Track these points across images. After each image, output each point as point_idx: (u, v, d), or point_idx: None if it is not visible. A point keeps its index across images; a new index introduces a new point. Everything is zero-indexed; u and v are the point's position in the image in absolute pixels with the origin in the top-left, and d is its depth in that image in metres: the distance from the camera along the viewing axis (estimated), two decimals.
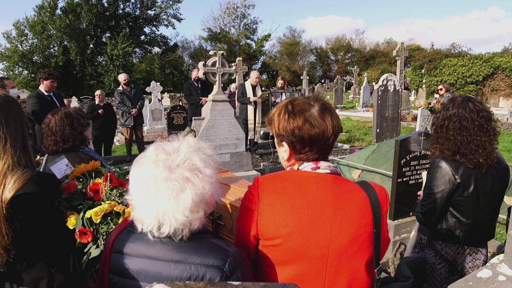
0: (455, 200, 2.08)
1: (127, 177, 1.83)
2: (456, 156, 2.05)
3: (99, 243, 1.59)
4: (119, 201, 1.66)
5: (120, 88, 7.89)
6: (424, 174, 2.66)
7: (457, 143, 2.03)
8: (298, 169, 1.25)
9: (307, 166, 1.24)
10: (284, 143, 1.27)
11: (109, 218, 1.60)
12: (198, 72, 8.21)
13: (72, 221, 1.60)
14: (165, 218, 1.04)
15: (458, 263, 2.15)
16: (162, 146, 1.10)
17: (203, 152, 1.13)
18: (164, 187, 1.03)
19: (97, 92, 7.95)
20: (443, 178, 2.06)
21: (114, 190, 1.69)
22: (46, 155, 2.37)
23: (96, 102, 7.85)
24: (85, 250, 1.60)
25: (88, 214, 1.57)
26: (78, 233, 1.57)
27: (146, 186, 1.05)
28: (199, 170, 1.08)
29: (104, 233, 1.58)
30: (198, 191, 1.05)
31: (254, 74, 8.24)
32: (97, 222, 1.57)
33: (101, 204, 1.62)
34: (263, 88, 8.55)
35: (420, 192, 2.46)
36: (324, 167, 1.24)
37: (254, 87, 8.13)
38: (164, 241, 1.09)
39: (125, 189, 1.74)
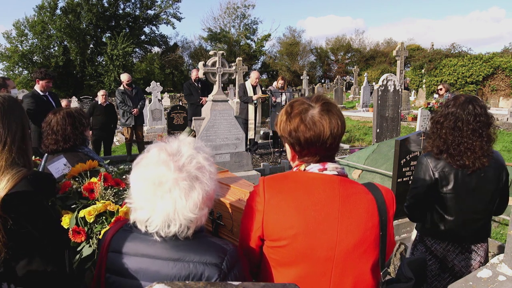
0: (437, 196, 2.10)
1: (125, 177, 1.83)
2: (443, 155, 2.06)
3: (92, 243, 1.59)
4: (114, 200, 1.66)
5: (122, 87, 7.90)
6: None
7: (447, 143, 2.04)
8: (305, 170, 1.25)
9: (314, 167, 1.23)
10: (286, 144, 1.28)
11: (103, 217, 1.60)
12: (197, 72, 8.21)
13: (66, 220, 1.60)
14: (175, 217, 1.06)
15: (449, 261, 2.16)
16: (165, 147, 1.11)
17: (204, 151, 1.15)
18: (175, 186, 1.04)
19: (101, 92, 7.92)
20: (422, 174, 2.10)
21: (109, 190, 1.68)
22: (46, 154, 2.37)
23: (99, 102, 7.83)
24: (78, 249, 1.60)
25: (82, 213, 1.57)
26: (71, 232, 1.57)
27: (153, 188, 1.05)
28: (205, 168, 1.10)
29: (98, 233, 1.57)
30: (206, 188, 1.08)
31: (254, 75, 8.24)
32: (91, 221, 1.57)
33: (95, 204, 1.62)
34: (263, 89, 8.55)
35: None
36: (331, 168, 1.23)
37: (254, 87, 8.13)
38: (163, 240, 1.09)
39: (121, 188, 1.74)
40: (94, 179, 1.71)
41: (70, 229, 1.57)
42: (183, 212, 1.05)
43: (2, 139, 1.42)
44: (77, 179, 1.79)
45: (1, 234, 1.33)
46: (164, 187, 1.04)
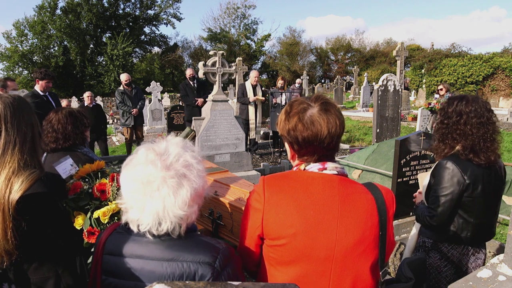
0: (464, 201, 2.05)
1: None
2: (470, 154, 2.00)
3: None
4: None
5: (121, 88, 7.87)
6: (420, 175, 2.61)
7: (475, 139, 2.00)
8: (304, 169, 1.25)
9: (314, 167, 1.24)
10: (286, 143, 1.30)
11: (116, 218, 1.61)
12: (192, 71, 8.17)
13: (79, 222, 1.61)
14: (165, 215, 1.07)
15: (463, 264, 2.13)
16: (153, 147, 1.13)
17: (191, 149, 1.17)
18: (163, 184, 1.06)
19: (87, 93, 7.70)
20: (451, 180, 2.01)
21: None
22: (45, 153, 2.36)
23: (86, 104, 7.70)
24: (92, 250, 1.61)
25: (96, 214, 1.58)
26: (86, 233, 1.58)
27: (142, 187, 1.07)
28: (192, 166, 1.12)
29: None
30: (194, 185, 1.10)
31: (253, 74, 8.23)
32: (105, 222, 1.59)
33: (108, 204, 1.63)
34: (263, 88, 8.54)
35: (416, 194, 2.41)
36: (331, 168, 1.23)
37: (254, 87, 8.13)
38: (156, 240, 1.11)
39: None
40: (104, 180, 1.72)
41: (85, 230, 1.59)
42: (173, 209, 1.06)
43: (11, 139, 1.40)
44: (86, 180, 1.79)
45: (14, 237, 1.31)
46: (153, 186, 1.06)
